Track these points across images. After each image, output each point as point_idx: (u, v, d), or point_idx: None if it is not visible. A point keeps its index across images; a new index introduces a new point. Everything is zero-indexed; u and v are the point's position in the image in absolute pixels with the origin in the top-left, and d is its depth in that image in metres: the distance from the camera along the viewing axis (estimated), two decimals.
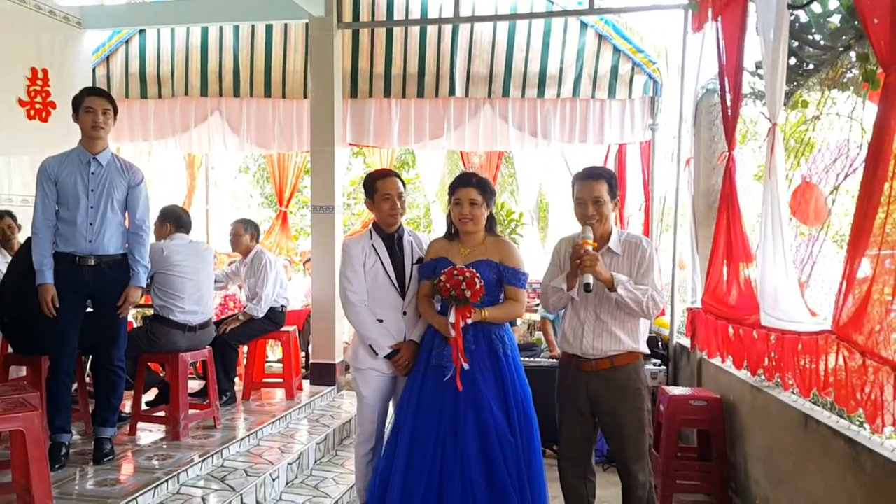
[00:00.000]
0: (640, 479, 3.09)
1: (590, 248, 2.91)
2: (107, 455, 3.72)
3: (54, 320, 3.57)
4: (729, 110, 4.00)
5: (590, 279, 2.89)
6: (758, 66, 3.95)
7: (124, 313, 3.73)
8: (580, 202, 3.06)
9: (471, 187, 3.16)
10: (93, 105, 3.57)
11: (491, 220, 3.29)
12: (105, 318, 3.72)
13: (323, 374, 5.89)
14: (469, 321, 3.06)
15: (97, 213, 3.58)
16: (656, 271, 3.09)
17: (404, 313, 3.34)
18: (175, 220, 4.60)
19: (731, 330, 3.97)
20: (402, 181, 3.43)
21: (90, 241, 3.59)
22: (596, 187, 3.02)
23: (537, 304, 5.97)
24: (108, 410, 3.78)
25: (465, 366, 3.06)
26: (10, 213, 4.83)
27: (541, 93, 6.30)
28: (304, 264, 8.23)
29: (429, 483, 3.02)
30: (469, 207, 3.15)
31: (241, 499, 3.58)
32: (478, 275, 3.04)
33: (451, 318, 3.05)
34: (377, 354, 3.29)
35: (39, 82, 5.26)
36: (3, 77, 4.99)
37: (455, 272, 3.04)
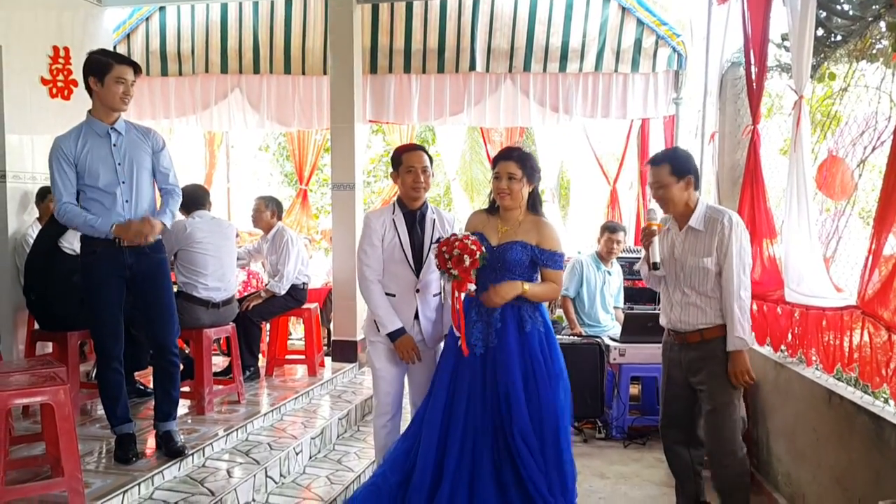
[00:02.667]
0: (726, 448, 3.11)
1: (655, 228, 3.16)
2: (181, 448, 3.53)
3: (96, 308, 3.35)
4: (754, 83, 3.94)
5: (657, 258, 3.15)
6: (784, 37, 3.89)
7: (145, 237, 3.30)
8: (650, 186, 3.22)
9: (511, 161, 3.14)
10: (125, 76, 3.29)
11: (534, 199, 3.25)
12: (155, 302, 3.48)
13: (345, 351, 5.96)
14: (471, 289, 3.10)
15: (131, 188, 3.34)
16: (737, 252, 3.05)
17: (417, 290, 3.36)
18: (195, 198, 4.64)
19: (754, 306, 3.95)
20: (430, 157, 3.44)
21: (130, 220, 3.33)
22: (655, 172, 3.16)
23: None
24: (169, 405, 3.58)
25: (458, 334, 3.10)
26: None
27: (563, 67, 6.25)
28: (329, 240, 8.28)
29: (460, 463, 3.06)
30: (507, 182, 3.12)
31: (266, 472, 3.66)
32: (471, 248, 3.01)
33: (447, 290, 3.13)
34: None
35: (61, 61, 5.30)
36: (26, 56, 5.04)
37: (444, 247, 3.04)
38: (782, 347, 3.66)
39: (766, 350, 3.92)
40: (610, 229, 5.47)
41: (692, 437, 3.34)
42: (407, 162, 3.37)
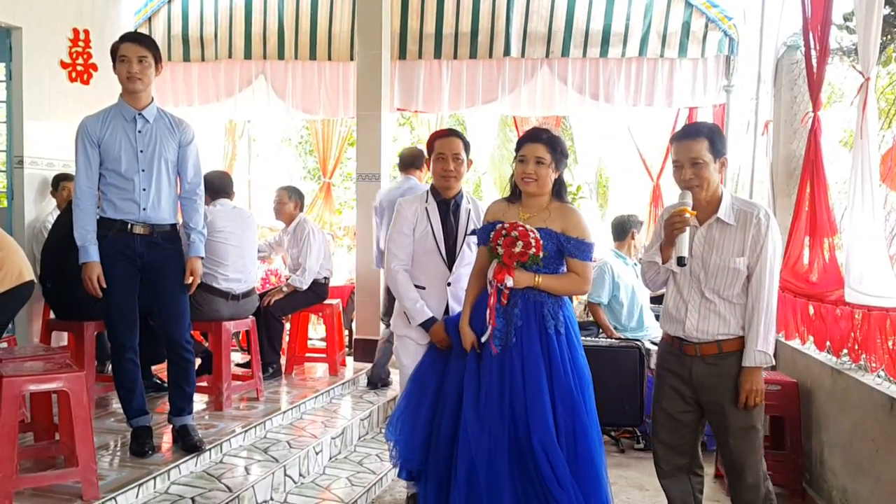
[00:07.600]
0: (747, 480, 2.88)
1: (687, 215, 2.70)
2: (198, 443, 3.54)
3: (108, 294, 3.37)
4: (814, 67, 3.86)
5: (684, 252, 2.71)
6: (846, 17, 3.81)
7: (194, 291, 3.60)
8: (676, 164, 2.84)
9: (539, 143, 2.98)
10: (126, 53, 3.30)
11: (560, 186, 3.11)
12: (165, 293, 3.51)
13: (367, 351, 5.95)
14: (507, 283, 2.93)
15: (150, 177, 3.38)
16: (772, 253, 2.77)
17: (449, 284, 3.34)
18: (219, 186, 4.67)
19: (811, 308, 3.87)
20: (466, 143, 3.40)
21: (144, 209, 3.37)
22: (693, 147, 2.78)
23: None
24: (183, 399, 3.61)
25: (490, 330, 2.98)
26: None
27: (604, 52, 6.19)
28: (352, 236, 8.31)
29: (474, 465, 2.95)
30: (534, 166, 2.97)
31: (285, 470, 3.67)
32: (531, 241, 2.88)
33: (490, 275, 3.00)
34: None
35: (81, 43, 5.38)
36: (46, 38, 5.12)
37: (505, 226, 2.92)
38: (843, 352, 3.57)
39: (824, 356, 3.83)
40: (638, 226, 5.35)
41: (694, 462, 3.07)
42: (438, 148, 3.36)
